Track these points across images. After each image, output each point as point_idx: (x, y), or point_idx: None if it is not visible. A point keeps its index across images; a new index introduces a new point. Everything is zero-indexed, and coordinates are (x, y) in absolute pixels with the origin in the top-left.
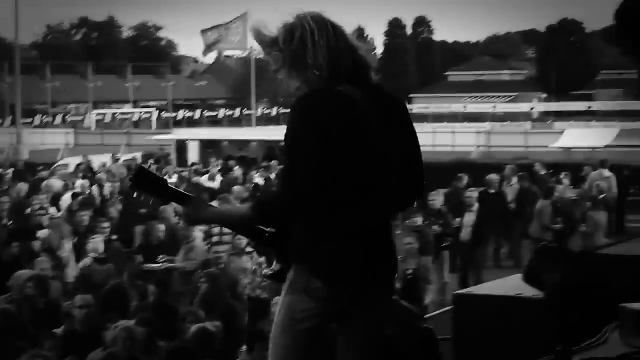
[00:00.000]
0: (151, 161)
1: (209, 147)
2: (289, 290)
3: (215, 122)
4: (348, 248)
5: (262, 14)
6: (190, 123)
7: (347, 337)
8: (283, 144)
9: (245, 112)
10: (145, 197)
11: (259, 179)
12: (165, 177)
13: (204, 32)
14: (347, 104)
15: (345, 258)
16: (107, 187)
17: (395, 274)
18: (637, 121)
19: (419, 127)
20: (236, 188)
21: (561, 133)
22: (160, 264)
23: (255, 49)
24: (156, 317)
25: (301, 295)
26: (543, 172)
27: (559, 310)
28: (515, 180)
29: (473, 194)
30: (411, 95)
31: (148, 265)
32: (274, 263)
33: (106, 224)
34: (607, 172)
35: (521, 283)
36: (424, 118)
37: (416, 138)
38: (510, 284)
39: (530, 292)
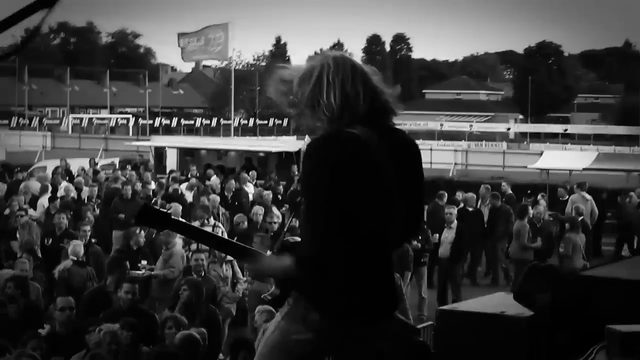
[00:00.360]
0: (129, 166)
1: (187, 155)
2: (286, 316)
3: (191, 131)
4: (350, 284)
5: (243, 22)
6: (167, 131)
7: None
8: (301, 185)
9: (223, 121)
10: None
11: (237, 188)
12: (169, 211)
13: (181, 35)
14: (360, 148)
15: (346, 294)
16: (85, 191)
17: (395, 308)
18: (613, 145)
19: None
20: (212, 196)
21: (539, 154)
22: (143, 271)
23: (234, 59)
24: (139, 322)
25: (297, 324)
26: (510, 191)
27: (548, 329)
28: (489, 199)
29: (452, 210)
30: None
31: (131, 271)
32: (272, 287)
33: (87, 227)
34: (587, 195)
35: (504, 301)
36: None
37: (422, 181)
38: (493, 302)
39: (513, 310)
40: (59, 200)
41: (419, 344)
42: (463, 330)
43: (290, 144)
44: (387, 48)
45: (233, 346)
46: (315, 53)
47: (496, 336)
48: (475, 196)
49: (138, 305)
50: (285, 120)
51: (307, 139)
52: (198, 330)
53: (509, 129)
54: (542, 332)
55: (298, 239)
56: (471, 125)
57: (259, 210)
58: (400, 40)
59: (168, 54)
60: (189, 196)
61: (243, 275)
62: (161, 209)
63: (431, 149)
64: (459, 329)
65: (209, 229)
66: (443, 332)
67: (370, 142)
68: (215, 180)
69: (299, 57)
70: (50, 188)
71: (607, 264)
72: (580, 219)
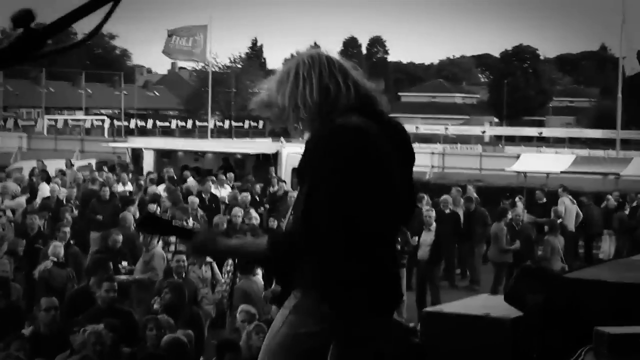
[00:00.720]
0: (105, 168)
1: (163, 157)
2: (294, 309)
3: (167, 132)
4: (361, 277)
5: (219, 24)
6: (142, 132)
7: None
8: (299, 176)
9: (198, 123)
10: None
11: (214, 190)
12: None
13: (171, 32)
14: (365, 139)
15: (357, 286)
16: (63, 192)
17: (399, 303)
18: (587, 148)
19: None
20: (190, 198)
21: (515, 157)
22: (126, 277)
23: (210, 62)
24: (119, 322)
25: (307, 317)
26: (475, 195)
27: (539, 330)
28: (462, 202)
29: (431, 213)
30: None
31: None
32: (273, 285)
33: (66, 229)
34: (572, 198)
35: (488, 302)
36: None
37: (413, 165)
38: (477, 303)
39: (497, 312)
40: (39, 201)
41: (415, 345)
42: (448, 332)
43: (267, 145)
44: (364, 51)
45: (219, 348)
46: (292, 55)
47: (482, 338)
48: (450, 198)
49: (116, 305)
50: (261, 123)
51: (283, 141)
52: (185, 332)
53: (484, 132)
54: (532, 333)
55: None
56: (446, 128)
57: (238, 212)
58: (376, 42)
59: (144, 55)
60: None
61: (222, 277)
62: (163, 217)
63: None
64: (445, 331)
65: None
66: (428, 334)
67: (371, 131)
68: (192, 182)
69: (275, 59)
70: (28, 189)
71: (590, 266)
72: (558, 221)
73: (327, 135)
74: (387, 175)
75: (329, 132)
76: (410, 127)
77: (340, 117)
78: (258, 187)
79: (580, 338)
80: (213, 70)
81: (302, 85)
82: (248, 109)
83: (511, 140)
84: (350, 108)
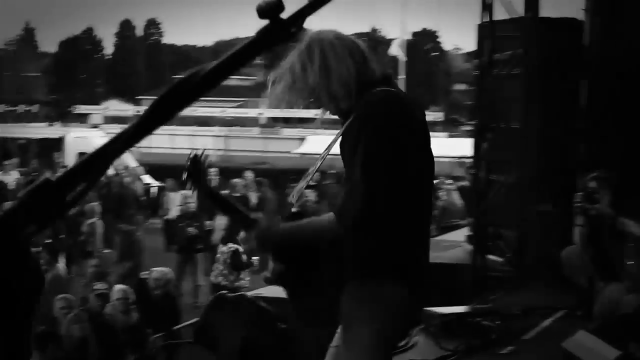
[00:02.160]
0: None
1: None
2: (375, 306)
3: None
4: (418, 252)
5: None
6: None
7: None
8: (347, 146)
9: None
10: None
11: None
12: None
13: None
14: (409, 109)
15: (419, 262)
16: None
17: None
18: None
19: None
20: None
21: (298, 139)
22: None
23: None
24: None
25: (389, 310)
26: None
27: None
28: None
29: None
30: (139, 97)
31: None
32: (269, 264)
33: None
34: None
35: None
36: None
37: None
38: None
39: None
40: None
41: (281, 331)
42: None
43: (53, 130)
44: (140, 33)
45: (39, 339)
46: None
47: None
48: (243, 181)
49: None
50: (36, 106)
51: (60, 125)
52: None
53: (261, 114)
54: None
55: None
56: (224, 111)
57: None
58: (152, 25)
59: None
60: None
61: None
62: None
63: (192, 135)
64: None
65: None
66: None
67: (408, 102)
68: None
69: (49, 43)
70: None
71: None
72: None
73: (376, 105)
74: (428, 146)
75: (377, 102)
76: (187, 110)
77: (374, 89)
78: (46, 173)
79: None
80: None
81: (334, 61)
82: (20, 84)
83: (289, 122)
84: (378, 81)
